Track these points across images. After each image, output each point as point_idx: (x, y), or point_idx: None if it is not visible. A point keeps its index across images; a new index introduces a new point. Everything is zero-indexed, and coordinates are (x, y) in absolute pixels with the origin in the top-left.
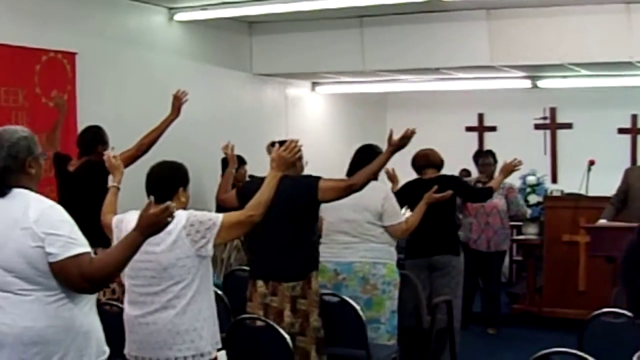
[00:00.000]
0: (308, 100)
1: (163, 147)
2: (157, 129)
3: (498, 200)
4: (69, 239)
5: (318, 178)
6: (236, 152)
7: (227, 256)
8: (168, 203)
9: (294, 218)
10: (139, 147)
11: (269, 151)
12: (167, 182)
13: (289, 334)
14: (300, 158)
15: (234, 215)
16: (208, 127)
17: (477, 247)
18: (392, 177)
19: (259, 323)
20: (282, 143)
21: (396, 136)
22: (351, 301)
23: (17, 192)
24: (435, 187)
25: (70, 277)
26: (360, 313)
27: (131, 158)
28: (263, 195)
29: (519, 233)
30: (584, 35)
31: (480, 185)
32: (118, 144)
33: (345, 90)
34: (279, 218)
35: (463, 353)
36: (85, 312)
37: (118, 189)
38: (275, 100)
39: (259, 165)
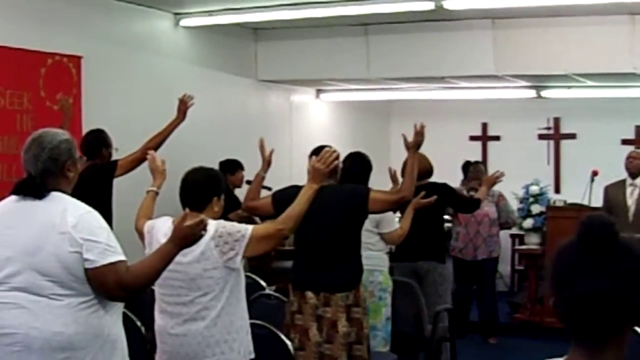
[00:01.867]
0: (312, 107)
1: (167, 152)
2: (162, 133)
3: (489, 208)
4: (107, 246)
5: (368, 189)
6: (239, 157)
7: None
8: (202, 217)
9: (344, 227)
10: (144, 150)
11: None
12: (203, 191)
13: (345, 343)
14: (337, 167)
15: (264, 228)
16: (212, 132)
17: (462, 256)
18: (394, 178)
19: (264, 331)
20: (319, 149)
21: (409, 137)
22: None
23: (55, 195)
24: (423, 193)
25: (106, 285)
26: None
27: (136, 161)
28: (296, 208)
29: (521, 243)
30: (589, 45)
31: (473, 193)
32: (123, 148)
33: (349, 98)
34: (327, 227)
35: None
36: (114, 320)
37: (157, 193)
38: (279, 106)
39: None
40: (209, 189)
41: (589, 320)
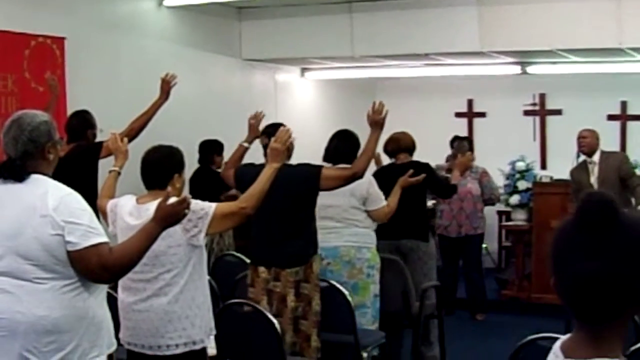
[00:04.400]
0: (297, 86)
1: (153, 132)
2: (146, 113)
3: (472, 185)
4: (88, 227)
5: (320, 167)
6: (222, 137)
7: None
8: (185, 195)
9: (295, 205)
10: (129, 131)
11: (262, 142)
12: (163, 168)
13: (292, 318)
14: (292, 145)
15: (227, 207)
16: (197, 112)
17: (447, 234)
18: (377, 160)
19: (246, 308)
20: (272, 127)
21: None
22: (339, 286)
23: (35, 178)
24: (411, 171)
25: (89, 267)
26: (349, 298)
27: None
28: (257, 187)
29: (508, 219)
30: (574, 21)
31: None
32: (108, 129)
33: (334, 76)
34: (280, 205)
35: (451, 339)
36: (98, 302)
37: (119, 173)
38: (264, 85)
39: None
40: (169, 167)
41: (589, 301)
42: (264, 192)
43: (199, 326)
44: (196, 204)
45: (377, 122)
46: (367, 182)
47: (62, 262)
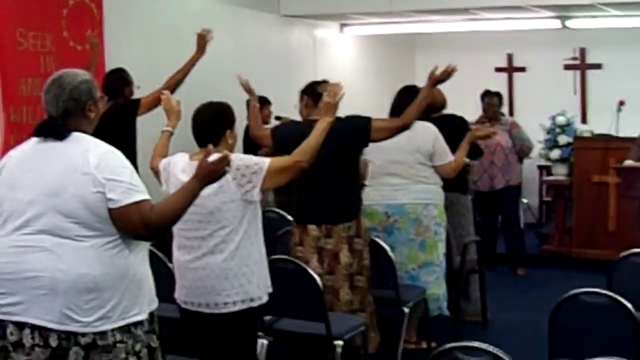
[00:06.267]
0: (336, 42)
1: (190, 89)
2: (182, 69)
3: (501, 137)
4: (130, 185)
5: (369, 118)
6: (263, 93)
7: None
8: (226, 152)
9: (344, 159)
10: (166, 87)
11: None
12: (215, 125)
13: (347, 274)
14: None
15: (281, 161)
16: (235, 69)
17: (477, 188)
18: None
19: (290, 265)
20: (311, 86)
21: (438, 72)
22: (380, 242)
23: (76, 136)
24: (485, 123)
25: (130, 224)
26: (390, 254)
27: (158, 99)
28: (312, 141)
29: (549, 174)
30: None
31: (481, 125)
32: (146, 86)
33: (373, 32)
34: (329, 160)
35: (492, 294)
36: (139, 260)
37: (171, 133)
38: (303, 42)
39: (286, 108)
40: (220, 123)
41: None
42: (318, 146)
43: (256, 283)
44: (250, 159)
45: (441, 81)
46: (433, 137)
47: (103, 220)
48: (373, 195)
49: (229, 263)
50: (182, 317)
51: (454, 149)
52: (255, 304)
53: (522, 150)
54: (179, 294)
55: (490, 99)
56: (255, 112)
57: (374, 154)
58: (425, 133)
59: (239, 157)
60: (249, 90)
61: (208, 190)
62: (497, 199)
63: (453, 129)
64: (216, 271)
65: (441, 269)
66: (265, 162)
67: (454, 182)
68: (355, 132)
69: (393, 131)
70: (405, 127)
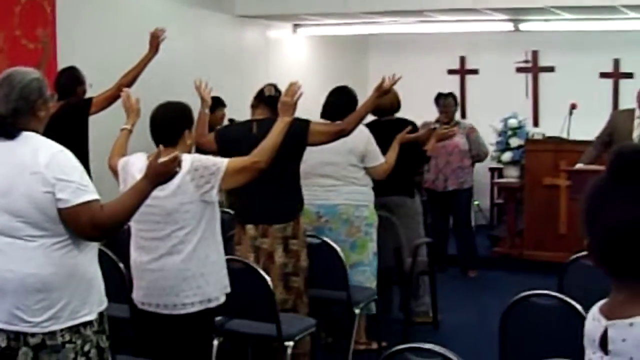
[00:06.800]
0: (289, 42)
1: (143, 88)
2: (135, 68)
3: (459, 139)
4: (80, 185)
5: (308, 122)
6: (216, 94)
7: None
8: (176, 153)
9: (283, 161)
10: (119, 86)
11: (268, 90)
12: (173, 125)
13: (282, 274)
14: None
15: (239, 161)
16: (188, 68)
17: (434, 188)
18: None
19: (238, 265)
20: (274, 87)
21: (386, 83)
22: (332, 243)
23: (26, 135)
24: (410, 128)
25: (80, 224)
26: (341, 254)
27: (111, 98)
28: (270, 141)
29: (500, 176)
30: None
31: (438, 126)
32: (99, 86)
33: (326, 33)
34: None
35: (443, 295)
36: (88, 260)
37: (130, 131)
38: (256, 42)
39: (239, 108)
40: (179, 123)
41: (625, 252)
42: (276, 146)
43: (214, 284)
44: (208, 159)
45: (384, 92)
46: (366, 140)
47: (52, 220)
48: (305, 195)
49: (187, 264)
50: (138, 318)
51: (403, 153)
52: (213, 304)
53: (478, 154)
54: (136, 295)
55: (445, 100)
56: (203, 119)
57: (306, 154)
58: (358, 135)
59: (197, 158)
60: (202, 97)
61: (166, 191)
62: (449, 200)
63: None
64: (174, 272)
65: (372, 268)
66: (223, 162)
67: (401, 186)
68: (293, 136)
69: (332, 136)
70: (345, 132)
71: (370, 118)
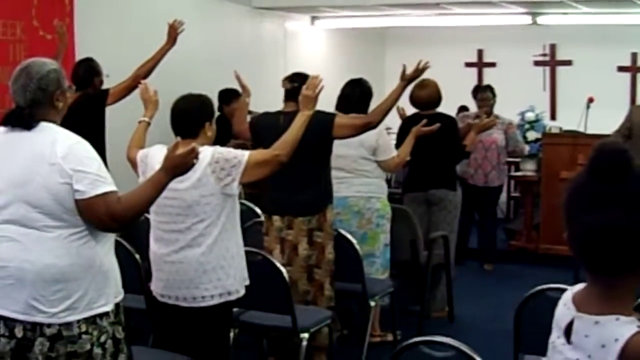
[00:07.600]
0: (307, 35)
1: (160, 80)
2: (152, 59)
3: (497, 135)
4: (97, 176)
5: (333, 115)
6: (232, 86)
7: None
8: (193, 145)
9: (308, 154)
10: (135, 77)
11: (284, 85)
12: (194, 117)
13: (305, 266)
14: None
15: (260, 154)
16: (206, 61)
17: (474, 182)
18: (402, 115)
19: (253, 257)
20: (297, 76)
21: (409, 70)
22: (348, 235)
23: (44, 126)
24: (425, 121)
25: (97, 215)
26: (357, 247)
27: (128, 89)
28: (291, 134)
29: (517, 169)
30: None
31: (478, 120)
32: (116, 77)
33: (344, 25)
34: (294, 154)
35: (459, 288)
36: (105, 251)
37: (148, 123)
38: (274, 34)
39: (256, 101)
40: (200, 115)
41: (602, 251)
42: (297, 140)
43: (234, 276)
44: (229, 152)
45: (413, 79)
46: (377, 133)
47: (70, 211)
48: None
49: (207, 257)
50: (158, 310)
51: (446, 143)
52: (232, 297)
53: (515, 151)
54: (155, 287)
55: (483, 93)
56: (243, 108)
57: None
58: None
59: (218, 150)
60: (243, 86)
61: (186, 183)
62: (481, 195)
63: (442, 128)
64: (194, 265)
65: (382, 260)
66: (244, 155)
67: (443, 179)
68: (317, 129)
69: (358, 129)
70: (371, 125)
71: (411, 111)
